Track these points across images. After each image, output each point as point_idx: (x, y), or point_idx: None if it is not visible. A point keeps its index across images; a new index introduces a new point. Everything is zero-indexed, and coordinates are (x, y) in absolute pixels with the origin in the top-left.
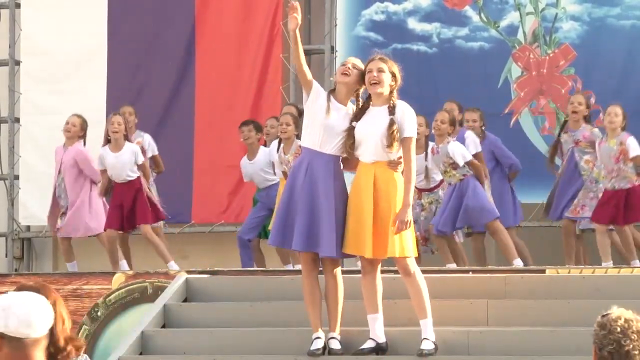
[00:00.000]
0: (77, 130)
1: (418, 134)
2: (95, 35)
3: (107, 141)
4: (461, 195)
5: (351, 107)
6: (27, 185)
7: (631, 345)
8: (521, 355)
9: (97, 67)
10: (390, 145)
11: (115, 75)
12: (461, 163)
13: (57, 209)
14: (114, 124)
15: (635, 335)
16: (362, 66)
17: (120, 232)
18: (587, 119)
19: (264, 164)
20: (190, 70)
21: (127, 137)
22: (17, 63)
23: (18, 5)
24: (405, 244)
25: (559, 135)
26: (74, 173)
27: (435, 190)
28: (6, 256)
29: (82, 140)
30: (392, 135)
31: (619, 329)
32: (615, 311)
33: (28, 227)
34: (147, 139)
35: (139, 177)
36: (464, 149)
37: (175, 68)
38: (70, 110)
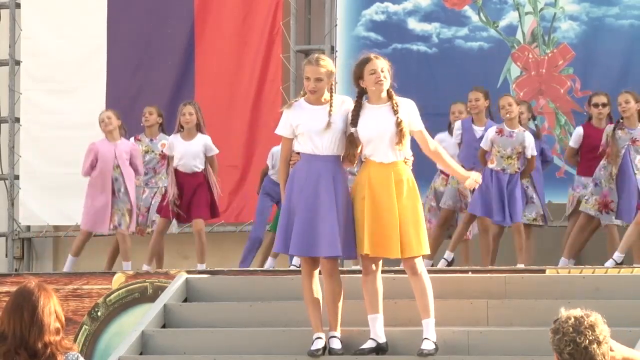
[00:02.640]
0: (117, 123)
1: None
2: (95, 35)
3: (179, 130)
4: (513, 188)
5: (328, 101)
6: (27, 185)
7: (587, 341)
8: (521, 355)
9: (97, 67)
10: (398, 142)
11: (115, 75)
12: (529, 155)
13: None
14: (185, 114)
15: (589, 331)
16: (323, 72)
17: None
18: None
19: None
20: (190, 70)
21: (200, 128)
22: (17, 63)
23: (18, 5)
24: (424, 242)
25: (614, 130)
26: (128, 167)
27: None
28: (6, 256)
29: (123, 131)
30: (401, 133)
31: (571, 329)
32: (564, 313)
33: (28, 227)
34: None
35: (203, 171)
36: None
37: (175, 68)
38: (71, 109)
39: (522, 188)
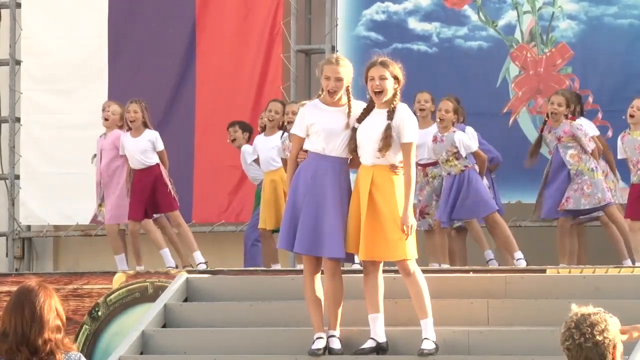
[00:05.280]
0: (117, 119)
1: (423, 110)
2: (96, 35)
3: (128, 128)
4: (460, 187)
5: (346, 104)
6: (27, 185)
7: (583, 339)
8: (521, 355)
9: (97, 66)
10: (380, 149)
11: (116, 75)
12: (464, 154)
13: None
14: (130, 112)
15: (589, 329)
16: (344, 72)
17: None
18: (567, 116)
19: (245, 161)
20: (190, 70)
21: (146, 124)
22: (18, 63)
23: (18, 5)
24: (405, 247)
25: (541, 132)
26: (110, 157)
27: (438, 164)
28: (7, 256)
29: (122, 129)
30: (385, 140)
31: (573, 324)
32: (575, 308)
33: (28, 227)
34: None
35: (157, 164)
36: (469, 139)
37: (176, 68)
38: (71, 109)
39: (487, 181)
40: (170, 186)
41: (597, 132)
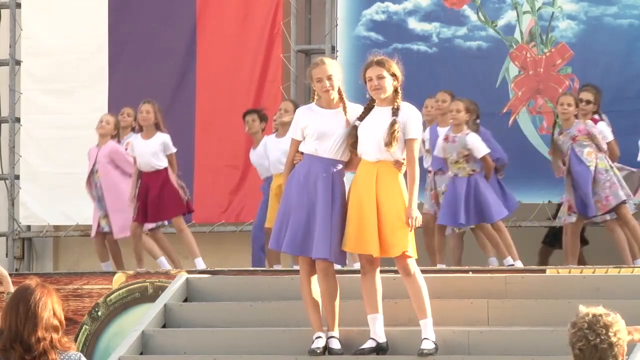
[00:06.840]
0: (111, 129)
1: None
2: (96, 35)
3: (140, 129)
4: (469, 193)
5: (340, 106)
6: (27, 185)
7: (598, 340)
8: (521, 355)
9: (97, 66)
10: (388, 144)
11: (116, 74)
12: (478, 156)
13: (97, 211)
14: (142, 112)
15: (603, 330)
16: (332, 69)
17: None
18: (577, 116)
19: (262, 153)
20: (191, 70)
21: (158, 126)
22: (18, 63)
23: (18, 5)
24: (408, 243)
25: (553, 135)
26: (109, 171)
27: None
28: (6, 256)
29: (115, 139)
30: (392, 134)
31: (586, 325)
32: (584, 309)
33: (28, 227)
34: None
35: (166, 168)
36: (483, 143)
37: (176, 68)
38: (71, 109)
39: (495, 186)
40: (181, 191)
41: (612, 137)
